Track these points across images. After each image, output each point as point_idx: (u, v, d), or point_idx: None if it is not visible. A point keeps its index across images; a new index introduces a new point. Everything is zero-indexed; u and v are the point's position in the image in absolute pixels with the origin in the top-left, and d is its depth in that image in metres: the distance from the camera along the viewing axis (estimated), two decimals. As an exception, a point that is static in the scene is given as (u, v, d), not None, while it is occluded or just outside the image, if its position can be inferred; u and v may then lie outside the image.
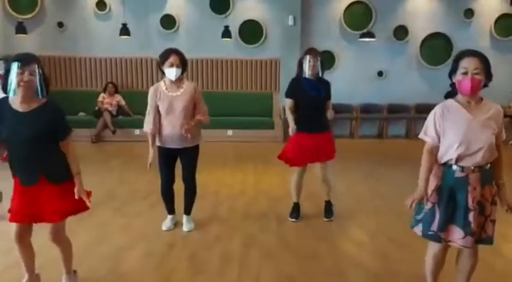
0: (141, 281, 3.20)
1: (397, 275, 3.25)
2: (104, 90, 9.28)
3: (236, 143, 8.89)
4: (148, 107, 3.97)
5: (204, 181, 5.92)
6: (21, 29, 9.10)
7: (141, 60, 9.74)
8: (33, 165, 2.65)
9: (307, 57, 4.16)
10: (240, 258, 3.59)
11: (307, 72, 4.16)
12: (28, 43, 9.23)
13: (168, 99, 3.90)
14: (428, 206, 2.55)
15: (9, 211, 2.74)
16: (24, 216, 2.71)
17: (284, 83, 9.73)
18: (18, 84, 2.54)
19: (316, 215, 4.58)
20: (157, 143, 4.01)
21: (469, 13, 9.71)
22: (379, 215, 4.65)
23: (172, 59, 3.84)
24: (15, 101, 2.61)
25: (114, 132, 8.95)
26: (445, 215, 2.49)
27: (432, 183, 2.54)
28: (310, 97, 4.16)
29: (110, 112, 9.04)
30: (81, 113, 9.38)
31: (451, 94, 2.56)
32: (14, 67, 2.53)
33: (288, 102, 4.27)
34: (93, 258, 3.56)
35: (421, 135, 2.59)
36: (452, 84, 2.52)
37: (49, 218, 2.72)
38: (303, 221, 4.47)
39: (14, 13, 9.34)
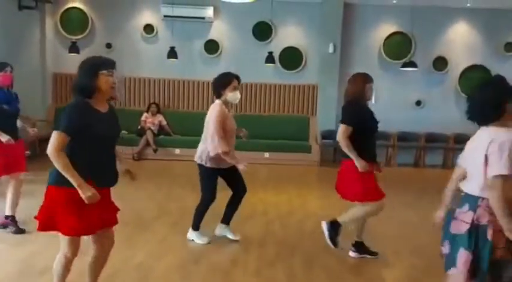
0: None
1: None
2: (147, 110, 9.57)
3: (273, 165, 8.98)
4: (217, 128, 3.94)
5: (251, 201, 6.02)
6: (74, 48, 9.51)
7: (183, 82, 10.04)
8: (113, 166, 2.73)
9: (372, 84, 3.94)
10: (306, 276, 3.66)
11: (370, 99, 4.01)
12: (78, 62, 9.59)
13: (232, 120, 4.13)
14: None
15: (73, 226, 2.54)
16: (99, 221, 2.65)
17: (322, 108, 9.93)
18: (111, 87, 2.65)
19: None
20: (210, 165, 4.07)
21: (510, 46, 9.76)
22: (421, 242, 4.64)
23: (235, 82, 4.09)
24: (93, 103, 2.63)
25: (155, 150, 9.16)
26: None
27: None
28: (376, 124, 4.02)
29: (152, 131, 9.28)
30: (124, 132, 9.61)
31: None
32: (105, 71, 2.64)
33: (350, 130, 3.78)
34: (158, 270, 3.66)
35: (500, 171, 2.30)
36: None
37: (114, 220, 2.79)
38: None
39: (65, 33, 9.77)
